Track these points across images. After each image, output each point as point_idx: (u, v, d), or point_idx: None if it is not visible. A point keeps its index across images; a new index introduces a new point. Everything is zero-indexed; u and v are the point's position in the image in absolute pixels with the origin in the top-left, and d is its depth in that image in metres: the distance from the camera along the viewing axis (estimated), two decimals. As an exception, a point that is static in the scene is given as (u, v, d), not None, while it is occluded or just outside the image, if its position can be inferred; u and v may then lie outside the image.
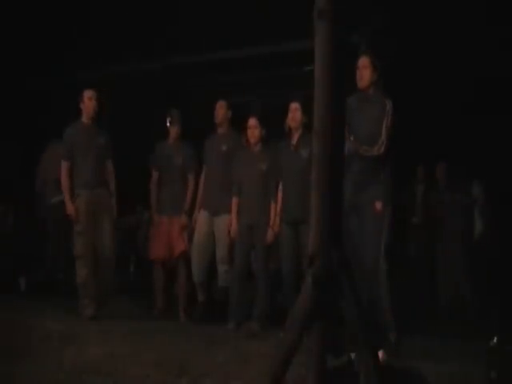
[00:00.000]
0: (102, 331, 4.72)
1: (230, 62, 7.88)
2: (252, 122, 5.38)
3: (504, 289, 6.21)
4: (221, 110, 5.73)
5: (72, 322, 5.07)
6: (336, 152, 2.22)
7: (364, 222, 4.32)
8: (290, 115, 5.15)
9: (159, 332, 4.82)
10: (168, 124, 5.81)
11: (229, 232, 5.45)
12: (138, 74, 8.53)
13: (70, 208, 5.42)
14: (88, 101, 5.52)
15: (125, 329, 4.83)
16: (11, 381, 3.31)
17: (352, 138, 4.31)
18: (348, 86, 4.51)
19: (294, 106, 5.12)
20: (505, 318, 5.04)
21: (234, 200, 5.42)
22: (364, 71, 4.39)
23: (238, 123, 5.80)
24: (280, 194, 5.19)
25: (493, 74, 7.31)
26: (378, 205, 4.27)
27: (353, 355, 2.99)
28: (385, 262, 4.26)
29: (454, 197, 7.29)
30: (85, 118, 5.57)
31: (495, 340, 3.30)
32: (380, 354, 3.65)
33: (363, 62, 4.41)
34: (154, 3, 8.41)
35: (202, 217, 5.63)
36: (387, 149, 4.28)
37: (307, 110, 4.92)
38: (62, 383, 3.32)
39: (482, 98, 7.49)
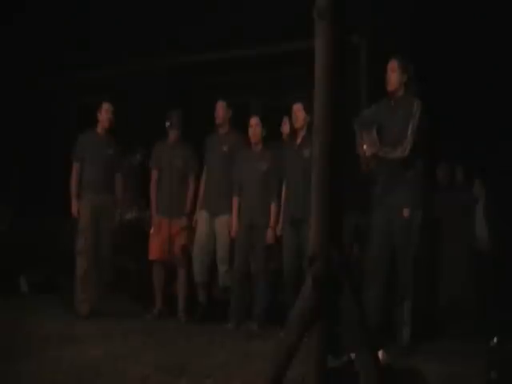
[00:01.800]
0: (101, 331, 4.72)
1: (230, 62, 7.88)
2: (254, 120, 5.39)
3: (505, 289, 6.20)
4: (221, 110, 5.71)
5: (72, 322, 5.08)
6: (336, 152, 2.22)
7: (392, 224, 4.35)
8: (293, 116, 5.18)
9: (159, 332, 4.82)
10: (167, 127, 5.81)
11: (229, 232, 5.45)
12: (138, 74, 8.53)
13: (74, 208, 5.61)
14: (105, 113, 5.75)
15: (125, 329, 4.83)
16: (11, 381, 3.32)
17: (376, 142, 4.32)
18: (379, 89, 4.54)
19: (296, 107, 5.13)
20: (505, 318, 5.04)
21: (235, 200, 5.42)
22: (392, 74, 4.39)
23: (237, 123, 5.80)
24: (282, 194, 5.21)
25: (492, 72, 7.31)
26: (406, 212, 4.30)
27: (353, 355, 2.99)
28: (413, 263, 4.32)
29: (455, 197, 7.28)
30: (99, 128, 5.79)
31: (495, 340, 3.30)
32: (380, 353, 3.65)
33: (391, 65, 4.41)
34: (155, 3, 8.42)
35: (202, 217, 5.63)
36: (414, 151, 4.25)
37: (311, 109, 4.93)
38: (61, 383, 3.32)
39: (482, 98, 7.49)
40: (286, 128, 5.67)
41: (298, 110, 5.13)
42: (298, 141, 5.17)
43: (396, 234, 4.34)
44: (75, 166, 5.71)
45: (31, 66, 8.87)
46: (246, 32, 7.58)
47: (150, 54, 8.34)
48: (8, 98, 8.79)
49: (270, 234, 5.22)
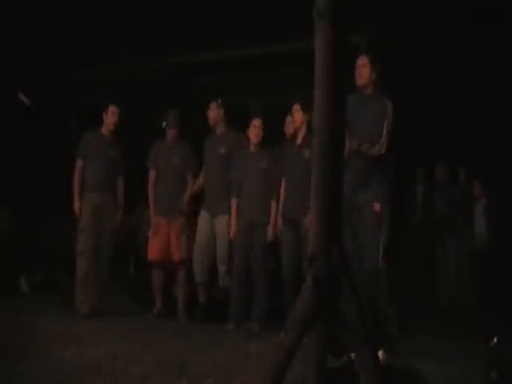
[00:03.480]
0: (101, 331, 4.72)
1: (229, 62, 7.88)
2: (257, 122, 5.40)
3: (505, 288, 6.21)
4: (212, 112, 5.70)
5: (72, 321, 5.07)
6: (336, 152, 2.22)
7: (362, 222, 4.31)
8: (292, 116, 5.18)
9: (159, 332, 4.82)
10: (164, 126, 5.81)
11: (229, 232, 5.45)
12: (138, 74, 8.53)
13: (76, 205, 5.61)
14: (111, 115, 5.77)
15: (125, 328, 4.83)
16: (12, 381, 3.32)
17: (352, 137, 4.30)
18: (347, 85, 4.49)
19: (295, 108, 5.14)
20: (505, 318, 5.04)
21: (234, 200, 5.42)
22: (363, 70, 4.37)
23: (237, 124, 5.80)
24: (281, 194, 5.20)
25: (493, 72, 7.31)
26: (377, 206, 4.27)
27: (353, 355, 2.99)
28: (383, 261, 4.27)
29: (456, 196, 7.30)
30: (104, 130, 5.82)
31: (495, 340, 3.30)
32: (380, 354, 3.64)
33: (362, 60, 4.38)
34: (155, 3, 8.42)
35: (202, 217, 5.63)
36: (387, 149, 4.27)
37: (310, 109, 4.93)
38: (61, 383, 3.32)
39: (483, 98, 7.49)
40: (290, 128, 5.62)
41: (295, 110, 5.14)
42: (298, 141, 5.17)
43: (365, 231, 4.29)
44: (78, 164, 5.72)
45: (31, 66, 8.87)
46: (246, 32, 7.58)
47: (149, 54, 8.35)
48: (6, 98, 8.80)
49: (270, 231, 5.23)
